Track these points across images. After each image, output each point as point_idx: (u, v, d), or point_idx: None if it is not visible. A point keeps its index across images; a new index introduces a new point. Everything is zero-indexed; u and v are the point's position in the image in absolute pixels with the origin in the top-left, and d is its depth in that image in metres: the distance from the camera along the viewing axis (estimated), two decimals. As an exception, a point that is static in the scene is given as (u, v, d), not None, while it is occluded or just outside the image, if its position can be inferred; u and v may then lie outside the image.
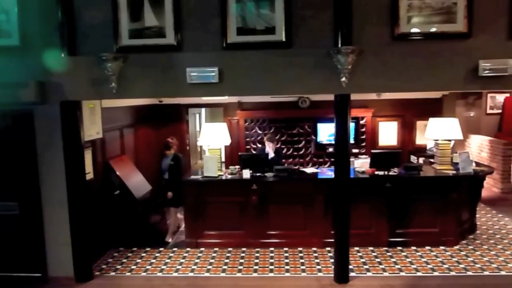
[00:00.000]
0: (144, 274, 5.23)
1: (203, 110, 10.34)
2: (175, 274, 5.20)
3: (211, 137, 6.14)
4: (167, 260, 5.60)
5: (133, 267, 5.43)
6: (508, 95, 13.49)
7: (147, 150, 7.80)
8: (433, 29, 4.37)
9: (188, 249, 5.95)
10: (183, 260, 5.59)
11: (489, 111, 13.81)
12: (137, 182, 6.41)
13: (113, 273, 5.26)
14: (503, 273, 5.06)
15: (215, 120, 9.37)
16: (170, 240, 6.28)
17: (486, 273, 5.06)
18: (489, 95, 13.47)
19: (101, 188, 5.82)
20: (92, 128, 5.56)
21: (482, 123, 11.99)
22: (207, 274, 5.18)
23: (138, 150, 7.40)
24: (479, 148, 9.95)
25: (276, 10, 4.40)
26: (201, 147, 9.23)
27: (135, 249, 5.99)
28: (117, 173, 6.02)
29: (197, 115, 9.90)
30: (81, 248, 4.98)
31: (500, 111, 13.80)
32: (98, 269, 5.36)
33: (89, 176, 5.39)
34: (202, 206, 5.94)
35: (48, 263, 5.04)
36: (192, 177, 6.08)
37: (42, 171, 4.89)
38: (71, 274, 4.97)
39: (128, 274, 5.25)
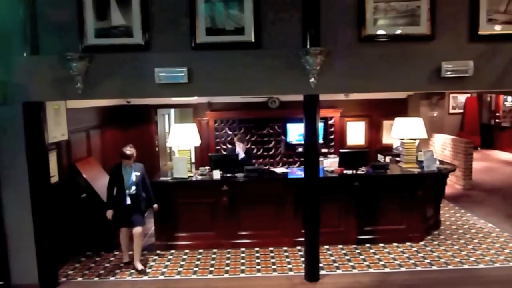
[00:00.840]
0: (112, 278, 5.11)
1: (172, 110, 10.22)
2: (145, 278, 5.11)
3: (181, 138, 6.07)
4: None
5: (101, 271, 5.29)
6: (469, 95, 14.11)
7: (115, 152, 7.60)
8: (398, 31, 4.49)
9: (158, 251, 5.86)
10: (153, 263, 5.50)
11: (451, 111, 14.42)
12: (104, 185, 6.22)
13: (80, 279, 5.12)
14: (465, 266, 5.27)
15: (185, 121, 9.27)
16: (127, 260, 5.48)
17: (450, 267, 5.26)
18: (451, 95, 14.07)
19: (67, 192, 5.65)
20: (56, 130, 5.38)
21: (445, 123, 12.44)
22: (178, 277, 5.12)
23: (106, 152, 7.22)
24: (442, 146, 10.32)
25: (245, 10, 4.40)
26: (170, 148, 9.12)
27: (103, 253, 5.84)
28: (84, 175, 5.85)
29: (166, 116, 9.77)
30: (46, 253, 4.80)
31: (461, 111, 14.42)
32: (65, 275, 5.19)
33: (54, 179, 5.22)
34: (172, 208, 5.86)
35: (11, 270, 4.83)
36: (162, 178, 6.00)
37: (4, 174, 4.69)
38: (36, 281, 4.79)
39: (96, 279, 5.11)
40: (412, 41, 4.52)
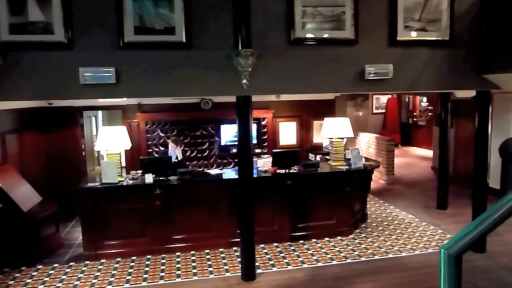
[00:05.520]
0: (35, 294, 4.74)
1: (99, 113, 9.71)
2: (73, 291, 4.80)
3: (109, 141, 5.80)
4: (63, 277, 5.14)
5: (22, 288, 4.88)
6: (390, 96, 15.13)
7: (36, 158, 7.08)
8: (325, 35, 4.67)
9: (86, 262, 5.54)
10: (81, 275, 5.19)
11: (374, 111, 15.37)
12: (24, 193, 5.77)
13: (-3, 298, 4.68)
14: (390, 256, 5.64)
15: (113, 123, 8.86)
16: None
17: (376, 257, 5.60)
18: (374, 96, 14.99)
19: (-21, 203, 5.13)
20: (-35, 135, 4.87)
21: (369, 122, 13.27)
22: (109, 287, 4.88)
23: (25, 158, 6.67)
24: (367, 144, 10.95)
25: (176, 10, 4.32)
26: (98, 152, 8.66)
27: (24, 268, 5.39)
28: (-1, 184, 5.36)
29: (93, 118, 9.26)
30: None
31: (383, 111, 15.43)
32: (-22, 295, 4.72)
33: (-37, 189, 4.72)
34: (101, 215, 5.58)
35: None
36: (89, 184, 5.68)
37: None
38: None
39: (16, 296, 4.71)
40: (338, 45, 4.74)
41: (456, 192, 8.32)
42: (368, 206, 7.48)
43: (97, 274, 5.20)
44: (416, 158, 13.14)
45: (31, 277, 5.16)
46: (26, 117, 6.81)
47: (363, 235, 6.42)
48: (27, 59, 4.11)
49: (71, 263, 5.52)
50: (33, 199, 5.88)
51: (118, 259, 5.60)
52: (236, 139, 8.21)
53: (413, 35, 4.86)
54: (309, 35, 4.63)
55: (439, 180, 7.68)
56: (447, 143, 7.59)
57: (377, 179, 9.88)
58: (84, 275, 5.19)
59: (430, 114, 14.12)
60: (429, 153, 12.44)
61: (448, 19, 4.89)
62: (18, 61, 4.08)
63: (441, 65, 4.98)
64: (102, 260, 5.57)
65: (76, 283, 4.97)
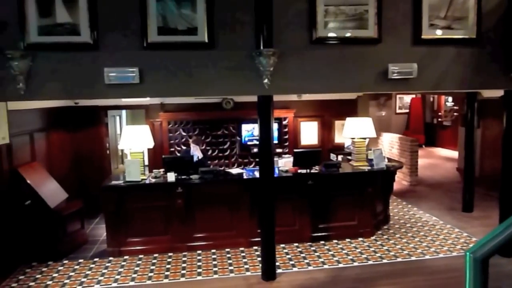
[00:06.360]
0: (61, 288, 4.87)
1: (123, 112, 9.90)
2: (97, 286, 4.91)
3: (133, 140, 5.90)
4: (88, 272, 5.27)
5: (49, 282, 5.02)
6: (414, 96, 14.86)
7: (62, 156, 7.27)
8: (348, 34, 4.63)
9: (110, 258, 5.66)
10: (105, 271, 5.30)
11: (398, 111, 15.13)
12: (51, 190, 5.95)
13: (25, 291, 4.83)
14: (413, 258, 5.54)
15: (137, 122, 9.00)
16: None
17: (399, 259, 5.51)
18: (397, 96, 14.75)
19: (9, 199, 5.30)
20: (-4, 133, 5.05)
21: (392, 122, 13.03)
22: (132, 283, 4.97)
23: (52, 156, 6.86)
24: (390, 145, 10.78)
25: (198, 11, 4.35)
26: (122, 151, 8.82)
27: (50, 262, 5.55)
28: (28, 181, 5.53)
29: (117, 118, 9.44)
30: (-14, 266, 4.49)
31: (407, 111, 15.16)
32: None
33: (-6, 186, 4.90)
34: (124, 212, 5.69)
35: None
36: (113, 182, 5.80)
37: None
38: (-25, 296, 4.48)
39: (43, 290, 4.85)
40: (361, 44, 4.68)
41: (483, 194, 8.09)
42: (390, 207, 7.37)
43: (120, 270, 5.31)
44: (440, 159, 12.85)
45: (57, 271, 5.31)
46: (53, 116, 7.00)
47: (385, 236, 6.33)
48: (55, 59, 4.23)
49: (95, 259, 5.65)
50: (59, 196, 6.06)
51: (140, 256, 5.69)
52: (252, 137, 8.27)
53: (439, 33, 4.75)
54: (331, 34, 4.60)
55: (464, 182, 7.49)
56: (473, 144, 7.40)
57: (400, 180, 9.71)
58: (108, 271, 5.30)
59: (455, 114, 13.79)
60: (454, 154, 12.15)
61: (475, 16, 4.77)
62: (46, 62, 4.21)
63: (468, 64, 4.86)
64: (125, 257, 5.68)
65: (100, 278, 5.09)
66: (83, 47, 4.24)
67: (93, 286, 4.92)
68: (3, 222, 5.11)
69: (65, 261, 5.59)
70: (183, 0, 4.33)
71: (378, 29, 4.64)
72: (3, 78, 4.12)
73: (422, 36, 4.71)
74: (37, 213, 5.55)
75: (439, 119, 15.03)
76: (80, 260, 5.63)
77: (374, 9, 4.60)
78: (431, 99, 15.50)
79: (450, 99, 14.30)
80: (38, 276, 5.20)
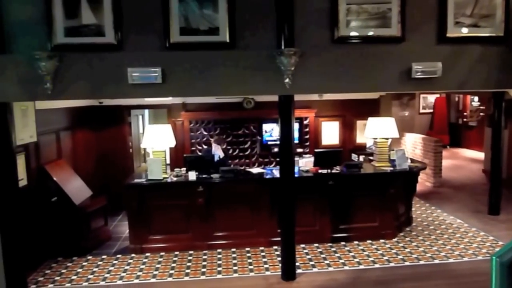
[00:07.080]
0: (85, 284, 5.00)
1: (146, 111, 10.07)
2: (119, 282, 5.01)
3: (155, 139, 5.99)
4: (111, 268, 5.39)
5: (74, 277, 5.16)
6: (438, 96, 14.55)
7: (87, 154, 7.45)
8: (370, 33, 4.56)
9: (132, 255, 5.76)
10: (127, 267, 5.41)
11: (421, 111, 14.84)
12: (76, 188, 6.10)
13: (51, 285, 4.97)
14: (436, 261, 5.43)
15: (159, 121, 9.14)
16: None
17: (421, 262, 5.41)
18: (421, 96, 14.47)
19: (36, 195, 5.47)
20: (24, 132, 5.21)
21: (416, 122, 12.82)
22: (153, 280, 5.05)
23: (77, 154, 7.04)
24: (413, 145, 10.59)
25: (220, 11, 4.38)
26: (144, 149, 8.97)
27: (75, 258, 5.70)
28: (54, 178, 5.69)
29: (140, 117, 9.61)
30: (14, 260, 4.62)
31: (431, 110, 14.85)
32: (34, 282, 5.04)
33: (22, 182, 5.05)
34: (146, 210, 5.78)
35: (-24, 279, 4.64)
36: (136, 180, 5.90)
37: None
38: (3, 289, 4.63)
39: (68, 285, 4.98)
40: (384, 43, 4.60)
41: (510, 197, 7.85)
42: (413, 209, 7.24)
43: (142, 267, 5.40)
44: (465, 160, 12.53)
45: (81, 267, 5.45)
46: (78, 115, 7.19)
47: (407, 239, 6.22)
48: (80, 60, 4.33)
49: (118, 255, 5.77)
50: (84, 193, 6.21)
51: (162, 253, 5.78)
52: (272, 137, 8.28)
53: (464, 31, 4.63)
54: (353, 33, 4.54)
55: (491, 184, 7.28)
56: (500, 144, 7.18)
57: (424, 182, 9.53)
58: (130, 267, 5.40)
59: (482, 114, 13.42)
60: (480, 155, 11.83)
61: (503, 14, 4.62)
62: (72, 62, 4.31)
63: (494, 62, 4.71)
64: (147, 254, 5.77)
65: (122, 274, 5.19)
66: (108, 48, 4.33)
67: (115, 282, 5.02)
68: (31, 218, 5.28)
69: (89, 257, 5.73)
70: (205, 0, 4.36)
71: (402, 27, 4.55)
72: (31, 79, 4.25)
73: (447, 35, 4.59)
74: (63, 210, 5.71)
75: (465, 119, 14.66)
76: (104, 256, 5.76)
77: (398, 7, 4.51)
78: (456, 98, 15.13)
79: (476, 98, 13.93)
80: (63, 271, 5.34)
